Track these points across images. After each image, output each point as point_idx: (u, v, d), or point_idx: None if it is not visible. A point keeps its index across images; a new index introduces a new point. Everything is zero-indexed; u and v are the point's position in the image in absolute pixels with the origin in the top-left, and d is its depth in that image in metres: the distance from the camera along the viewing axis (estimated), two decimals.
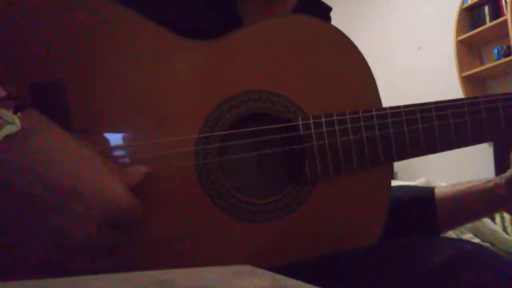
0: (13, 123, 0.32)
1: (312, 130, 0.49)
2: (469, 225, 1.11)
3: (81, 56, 0.44)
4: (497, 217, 1.17)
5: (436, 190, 0.64)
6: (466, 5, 3.17)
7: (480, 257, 0.43)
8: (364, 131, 0.50)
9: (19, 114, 0.33)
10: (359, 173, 0.51)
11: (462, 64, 3.15)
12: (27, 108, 0.35)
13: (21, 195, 0.32)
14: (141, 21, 0.45)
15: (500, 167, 2.85)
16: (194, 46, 0.47)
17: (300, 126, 0.49)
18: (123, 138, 0.44)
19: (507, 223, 1.17)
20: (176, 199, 0.45)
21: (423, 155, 0.53)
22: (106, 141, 0.43)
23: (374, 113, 0.50)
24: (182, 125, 0.46)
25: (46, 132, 0.35)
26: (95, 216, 0.34)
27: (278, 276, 0.24)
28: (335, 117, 0.49)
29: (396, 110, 0.51)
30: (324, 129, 0.49)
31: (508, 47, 2.96)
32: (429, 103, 0.52)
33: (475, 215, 0.67)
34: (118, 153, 0.44)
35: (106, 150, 0.43)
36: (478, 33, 3.08)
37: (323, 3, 0.64)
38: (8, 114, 0.33)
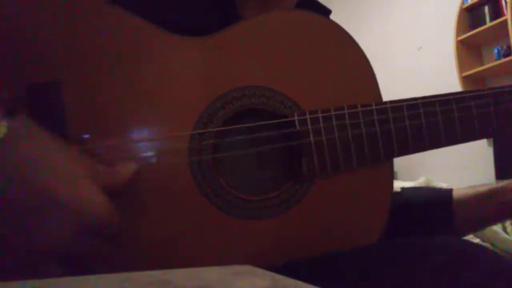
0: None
1: (309, 126, 0.48)
2: None
3: (78, 56, 0.44)
4: None
5: (454, 191, 0.62)
6: (466, 5, 3.17)
7: (481, 258, 0.43)
8: (363, 126, 0.49)
9: (5, 122, 0.35)
10: (359, 170, 0.50)
11: (462, 64, 3.15)
12: (18, 113, 0.36)
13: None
14: (136, 20, 0.46)
15: (500, 167, 2.85)
16: (189, 43, 0.47)
17: (296, 121, 0.48)
18: (116, 136, 0.44)
19: (507, 223, 1.17)
20: (170, 198, 0.45)
21: (426, 150, 0.51)
22: (99, 138, 0.43)
23: (374, 107, 0.49)
24: (176, 123, 0.45)
25: (30, 140, 0.36)
26: (70, 223, 0.34)
27: (278, 276, 0.24)
28: (332, 112, 0.48)
29: (397, 104, 0.50)
30: (322, 124, 0.48)
31: (508, 47, 2.96)
32: (432, 96, 0.51)
33: (489, 221, 0.66)
34: (109, 151, 0.43)
35: (96, 149, 0.43)
36: (478, 33, 3.08)
37: (323, 6, 0.64)
38: None
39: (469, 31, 3.14)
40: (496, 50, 3.08)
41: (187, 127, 0.45)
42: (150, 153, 0.44)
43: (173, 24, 0.46)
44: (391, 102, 0.50)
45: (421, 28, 3.55)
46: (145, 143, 0.44)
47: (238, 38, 0.48)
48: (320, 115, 0.48)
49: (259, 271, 0.25)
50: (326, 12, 0.65)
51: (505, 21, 2.88)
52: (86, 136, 0.43)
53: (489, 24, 3.02)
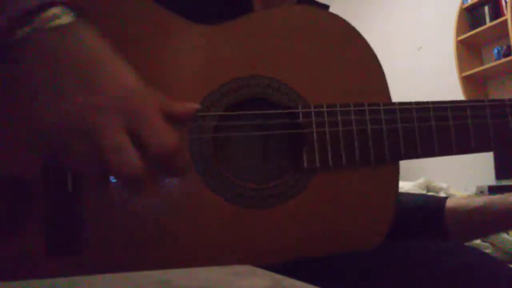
0: (67, 16, 0.37)
1: (313, 118, 0.47)
2: None
3: None
4: None
5: (448, 201, 0.62)
6: (466, 5, 3.17)
7: (487, 268, 0.43)
8: (369, 124, 0.48)
9: (73, 13, 0.37)
10: (363, 170, 0.49)
11: (462, 64, 3.15)
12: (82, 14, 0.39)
13: (63, 72, 0.36)
14: (151, 5, 0.46)
15: (500, 167, 2.85)
16: (200, 30, 0.47)
17: (300, 113, 0.47)
18: None
19: None
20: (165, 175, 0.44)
21: (435, 156, 0.50)
22: None
23: (381, 107, 0.48)
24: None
25: (90, 31, 0.38)
26: (113, 106, 0.36)
27: (278, 276, 0.24)
28: (338, 108, 0.48)
29: (407, 106, 0.49)
30: (326, 118, 0.47)
31: (508, 47, 2.95)
32: (445, 102, 0.50)
33: (480, 233, 0.65)
34: None
35: None
36: (478, 33, 3.08)
37: (320, 3, 0.64)
38: (65, 10, 0.37)
39: (469, 31, 3.14)
40: (496, 50, 3.07)
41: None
42: None
43: (188, 13, 0.47)
44: (400, 103, 0.49)
45: (421, 28, 3.55)
46: None
47: (248, 29, 0.49)
48: (325, 109, 0.48)
49: (259, 271, 0.25)
50: (325, 8, 0.65)
51: (505, 21, 2.88)
52: None
53: (489, 24, 3.02)
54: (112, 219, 0.43)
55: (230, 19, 0.49)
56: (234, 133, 0.49)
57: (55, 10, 0.36)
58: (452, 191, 1.70)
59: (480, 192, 2.64)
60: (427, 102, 0.50)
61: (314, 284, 0.23)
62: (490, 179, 2.88)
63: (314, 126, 0.47)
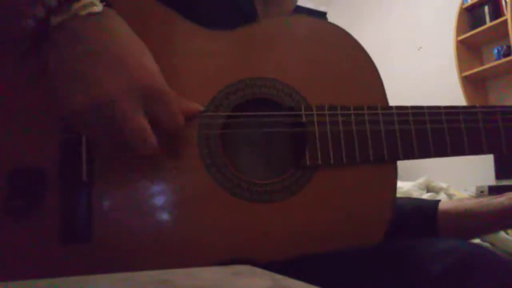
0: (99, 5, 0.40)
1: (315, 118, 0.50)
2: None
3: None
4: None
5: (440, 204, 0.64)
6: (466, 5, 3.17)
7: (482, 262, 0.43)
8: (368, 125, 0.51)
9: (103, 3, 0.41)
10: (363, 169, 0.51)
11: (462, 64, 3.15)
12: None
13: (92, 53, 0.39)
14: (166, 10, 0.50)
15: (500, 167, 2.85)
16: (209, 34, 0.51)
17: (303, 113, 0.50)
18: None
19: None
20: (175, 168, 0.47)
21: (431, 157, 0.52)
22: None
23: (379, 111, 0.51)
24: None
25: (119, 20, 0.42)
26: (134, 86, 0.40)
27: (278, 276, 0.24)
28: (339, 111, 0.51)
29: (403, 111, 0.52)
30: (327, 118, 0.50)
31: (508, 47, 2.96)
32: (439, 107, 0.53)
33: (473, 234, 0.67)
34: None
35: None
36: (478, 33, 3.08)
37: (317, 11, 0.68)
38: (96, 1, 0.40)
39: (469, 31, 3.14)
40: (496, 50, 3.08)
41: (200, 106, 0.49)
42: None
43: (200, 19, 0.50)
44: (397, 107, 0.52)
45: (421, 28, 3.55)
46: None
47: (255, 34, 0.53)
48: (326, 112, 0.51)
49: (259, 271, 0.25)
50: (322, 15, 0.68)
51: (505, 21, 2.88)
52: None
53: (489, 24, 3.02)
54: (120, 207, 0.45)
55: (236, 26, 0.52)
56: (240, 131, 0.51)
57: None
58: (452, 191, 1.70)
59: (480, 192, 2.64)
60: (423, 107, 0.53)
61: (314, 284, 0.23)
62: (490, 179, 2.88)
63: (316, 125, 0.50)
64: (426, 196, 1.65)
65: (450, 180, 1.96)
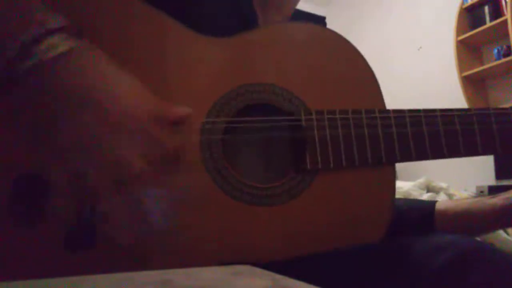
0: (65, 43, 0.39)
1: (314, 122, 0.51)
2: None
3: (108, 47, 0.46)
4: None
5: (437, 204, 0.65)
6: (466, 5, 3.17)
7: (482, 256, 0.43)
8: (366, 128, 0.52)
9: (73, 39, 0.39)
10: (361, 172, 0.51)
11: (462, 64, 3.15)
12: (84, 36, 0.41)
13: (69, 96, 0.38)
14: (163, 17, 0.50)
15: (500, 167, 2.85)
16: (211, 41, 0.52)
17: (303, 118, 0.51)
18: None
19: None
20: (177, 172, 0.47)
21: (429, 159, 0.53)
22: None
23: (377, 114, 0.52)
24: (192, 107, 0.48)
25: (93, 59, 0.41)
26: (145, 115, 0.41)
27: (278, 276, 0.24)
28: (337, 115, 0.51)
29: (400, 114, 0.53)
30: (326, 122, 0.51)
31: (508, 47, 2.96)
32: (435, 110, 0.54)
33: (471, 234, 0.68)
34: None
35: None
36: (478, 33, 3.08)
37: (316, 15, 0.68)
38: (62, 36, 0.39)
39: (469, 31, 3.14)
40: (496, 50, 3.08)
41: (202, 111, 0.49)
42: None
43: (198, 25, 0.50)
44: (394, 111, 0.53)
45: (421, 28, 3.56)
46: None
47: (254, 41, 0.53)
48: (326, 116, 0.51)
49: (259, 271, 0.25)
50: (320, 19, 0.68)
51: (505, 21, 2.89)
52: None
53: (489, 24, 3.02)
54: (123, 213, 0.45)
55: (236, 28, 0.53)
56: (241, 136, 0.51)
57: (51, 40, 0.37)
58: (452, 191, 1.70)
59: (480, 192, 2.64)
60: (419, 110, 0.54)
61: (314, 284, 0.23)
62: (490, 179, 2.89)
63: (315, 130, 0.51)
64: (426, 196, 1.65)
65: (450, 180, 1.96)
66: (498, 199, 0.61)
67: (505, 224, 0.64)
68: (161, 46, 0.49)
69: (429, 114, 0.53)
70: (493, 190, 2.61)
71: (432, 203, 0.65)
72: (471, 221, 0.62)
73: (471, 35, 3.11)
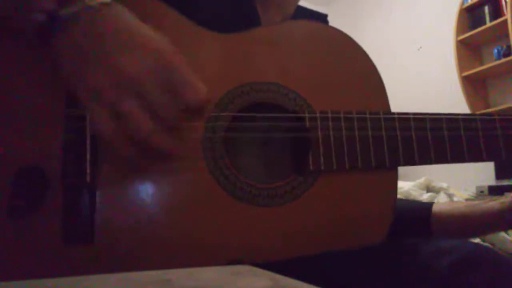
0: None
1: (318, 123, 0.50)
2: None
3: None
4: None
5: (434, 206, 0.65)
6: (466, 5, 3.17)
7: (484, 260, 0.43)
8: (370, 130, 0.51)
9: None
10: (364, 174, 0.51)
11: (462, 64, 3.15)
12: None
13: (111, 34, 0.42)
14: (174, 13, 0.50)
15: (500, 167, 2.85)
16: (217, 37, 0.51)
17: (307, 118, 0.50)
18: None
19: None
20: (178, 170, 0.47)
21: (432, 164, 0.52)
22: None
23: (381, 115, 0.52)
24: None
25: (126, 9, 0.44)
26: (149, 56, 0.42)
27: (278, 276, 0.24)
28: (342, 115, 0.51)
29: (405, 117, 0.52)
30: (330, 123, 0.51)
31: (508, 47, 2.96)
32: (440, 114, 0.53)
33: (467, 236, 0.68)
34: None
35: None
36: (478, 33, 3.08)
37: (318, 12, 0.67)
38: None
39: (469, 31, 3.14)
40: (496, 50, 3.08)
41: (207, 107, 0.49)
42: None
43: (201, 18, 0.50)
44: (399, 114, 0.53)
45: (421, 28, 3.56)
46: None
47: (259, 39, 0.53)
48: (330, 115, 0.51)
49: (259, 271, 0.25)
50: (322, 16, 0.68)
51: (505, 21, 2.89)
52: None
53: (489, 24, 3.02)
54: (123, 208, 0.45)
55: (237, 26, 0.52)
56: (244, 134, 0.51)
57: None
58: (452, 191, 1.70)
59: (480, 192, 2.64)
60: (424, 114, 0.53)
61: (314, 284, 0.23)
62: (490, 179, 2.88)
63: (319, 131, 0.50)
64: (426, 196, 1.65)
65: (450, 180, 1.96)
66: (496, 203, 0.61)
67: (503, 228, 0.64)
68: (172, 42, 0.49)
69: (434, 118, 0.53)
70: (493, 190, 2.61)
71: (429, 205, 0.65)
72: (467, 224, 0.62)
73: (471, 35, 3.11)
